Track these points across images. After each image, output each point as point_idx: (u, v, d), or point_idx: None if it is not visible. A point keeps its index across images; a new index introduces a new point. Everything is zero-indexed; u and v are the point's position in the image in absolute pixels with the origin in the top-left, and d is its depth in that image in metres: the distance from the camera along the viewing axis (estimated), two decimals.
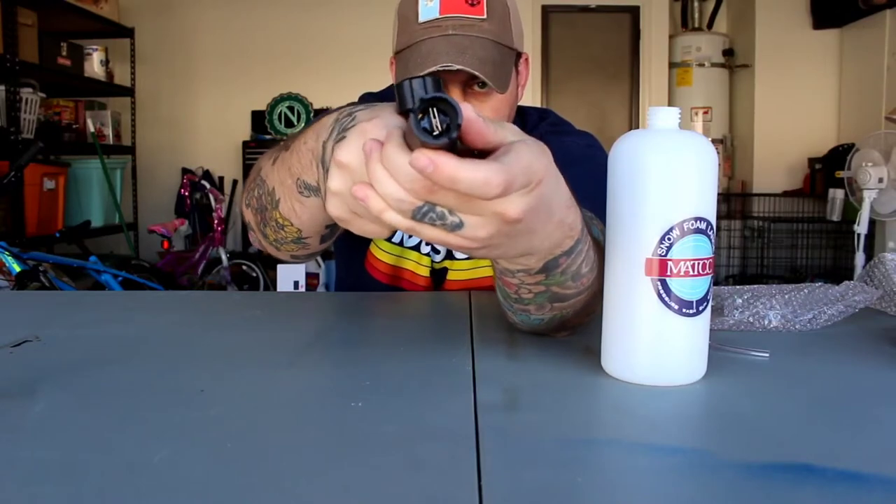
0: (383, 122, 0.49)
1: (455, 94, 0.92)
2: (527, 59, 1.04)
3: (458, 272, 1.09)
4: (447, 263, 1.09)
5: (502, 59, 0.93)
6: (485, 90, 0.94)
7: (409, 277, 1.10)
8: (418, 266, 1.09)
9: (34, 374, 0.62)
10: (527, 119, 1.13)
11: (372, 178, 0.45)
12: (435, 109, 0.42)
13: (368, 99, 1.11)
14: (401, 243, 1.08)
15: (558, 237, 0.54)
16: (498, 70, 0.91)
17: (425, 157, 0.41)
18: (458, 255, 1.08)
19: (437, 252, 1.08)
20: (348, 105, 0.61)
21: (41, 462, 0.44)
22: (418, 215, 0.45)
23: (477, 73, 0.88)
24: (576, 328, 0.73)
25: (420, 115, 0.42)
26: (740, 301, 0.77)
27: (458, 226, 0.46)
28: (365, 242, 1.10)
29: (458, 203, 0.45)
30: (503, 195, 0.44)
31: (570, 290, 0.62)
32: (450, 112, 0.42)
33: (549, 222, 0.52)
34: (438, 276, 1.10)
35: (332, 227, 0.74)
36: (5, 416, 0.52)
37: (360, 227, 0.52)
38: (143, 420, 0.52)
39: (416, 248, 1.08)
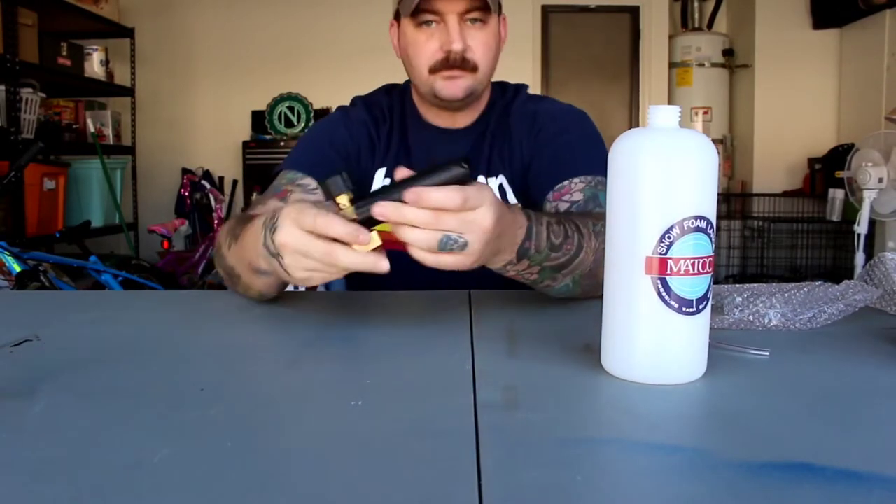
0: (303, 203, 0.68)
1: (452, 25, 1.03)
2: (505, 19, 1.13)
3: None
4: None
5: None
6: (476, 25, 1.04)
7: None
8: None
9: (34, 374, 0.62)
10: (506, 90, 1.20)
11: (405, 234, 0.64)
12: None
13: (359, 102, 1.18)
14: None
15: (513, 233, 0.74)
16: None
17: (412, 192, 0.62)
18: None
19: None
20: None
21: (41, 462, 0.44)
22: (441, 245, 0.64)
23: None
24: None
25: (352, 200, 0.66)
26: (740, 300, 0.77)
27: (465, 245, 0.65)
28: None
29: (459, 225, 0.64)
30: (465, 204, 0.63)
31: (561, 258, 0.80)
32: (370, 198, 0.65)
33: (506, 222, 0.70)
34: None
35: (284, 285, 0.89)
36: (5, 416, 0.52)
37: (321, 278, 0.69)
38: (143, 420, 0.52)
39: None
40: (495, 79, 1.21)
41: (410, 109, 1.17)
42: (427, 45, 1.04)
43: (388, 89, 1.20)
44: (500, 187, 1.14)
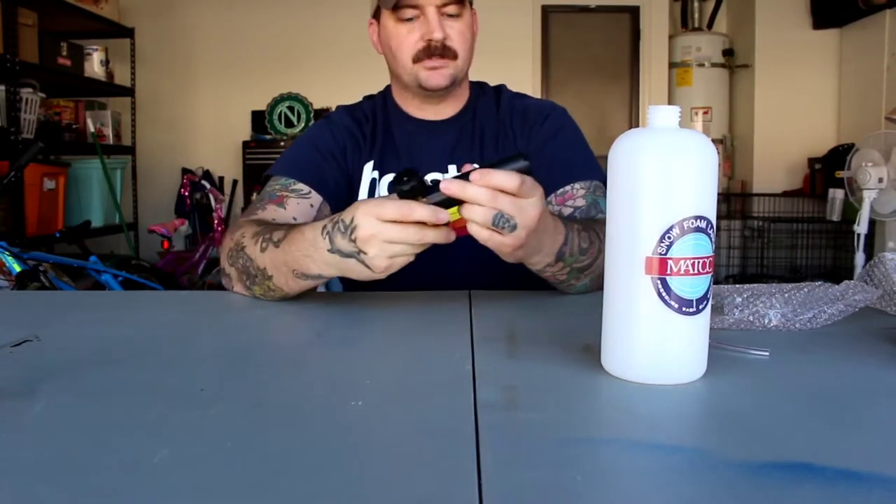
0: (373, 199, 0.77)
1: (431, 17, 1.09)
2: (475, 14, 1.17)
3: (456, 213, 1.18)
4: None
5: None
6: (453, 17, 1.10)
7: None
8: None
9: (34, 374, 0.62)
10: (485, 87, 1.25)
11: (467, 211, 0.72)
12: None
13: (343, 111, 1.22)
14: None
15: (553, 237, 0.85)
16: None
17: (479, 172, 0.71)
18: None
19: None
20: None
21: (41, 462, 0.44)
22: (494, 220, 0.72)
23: None
24: None
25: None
26: (740, 300, 0.77)
27: (514, 227, 0.73)
28: None
29: (511, 207, 0.72)
30: (521, 189, 0.71)
31: (586, 260, 0.91)
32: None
33: (549, 225, 0.81)
34: None
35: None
36: (5, 416, 0.52)
37: (403, 261, 0.76)
38: (143, 420, 0.52)
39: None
40: (494, 81, 1.23)
41: (393, 107, 1.21)
42: (409, 37, 1.10)
43: (369, 97, 1.25)
44: None
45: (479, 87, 1.24)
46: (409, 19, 1.09)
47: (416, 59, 1.10)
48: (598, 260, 0.92)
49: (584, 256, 0.90)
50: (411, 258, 0.76)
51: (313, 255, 0.81)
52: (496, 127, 1.18)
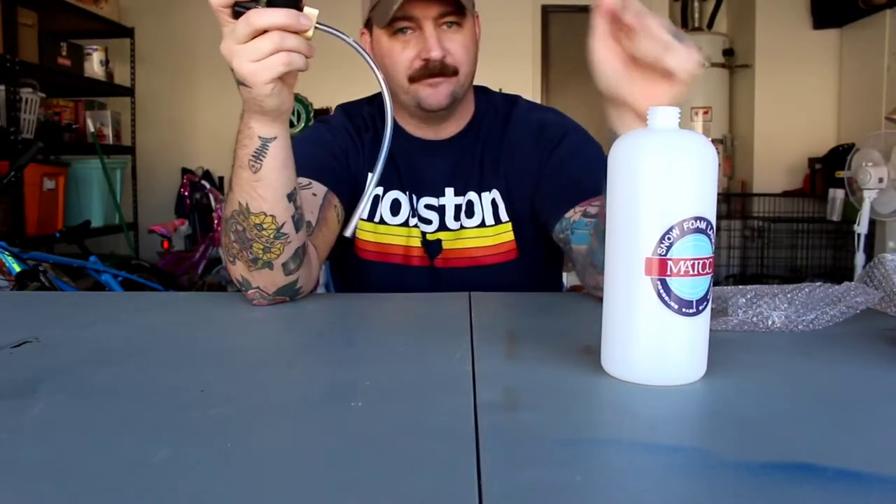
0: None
1: (429, 32, 1.01)
2: (478, 17, 1.11)
3: (453, 241, 1.13)
4: (441, 235, 1.13)
5: None
6: (452, 28, 1.03)
7: (400, 252, 1.13)
8: (409, 238, 1.13)
9: (34, 374, 0.62)
10: (491, 96, 1.17)
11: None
12: None
13: (341, 114, 1.17)
14: (381, 221, 1.14)
15: None
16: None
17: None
18: (450, 225, 1.13)
19: (429, 223, 1.13)
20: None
21: (41, 462, 0.44)
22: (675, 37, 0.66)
23: None
24: None
25: None
26: (743, 301, 0.77)
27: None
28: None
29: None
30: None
31: None
32: None
33: None
34: (433, 248, 1.13)
35: (292, 199, 0.86)
36: (5, 416, 0.52)
37: (270, 64, 0.77)
38: (143, 420, 0.52)
39: (405, 224, 1.14)
40: (494, 82, 1.21)
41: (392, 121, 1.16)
42: (404, 55, 1.02)
43: (371, 99, 1.18)
44: (493, 202, 1.12)
45: (485, 101, 1.16)
46: (404, 31, 1.01)
47: (413, 79, 1.03)
48: None
49: None
50: (283, 62, 0.77)
51: (242, 122, 0.82)
52: (499, 147, 1.11)
